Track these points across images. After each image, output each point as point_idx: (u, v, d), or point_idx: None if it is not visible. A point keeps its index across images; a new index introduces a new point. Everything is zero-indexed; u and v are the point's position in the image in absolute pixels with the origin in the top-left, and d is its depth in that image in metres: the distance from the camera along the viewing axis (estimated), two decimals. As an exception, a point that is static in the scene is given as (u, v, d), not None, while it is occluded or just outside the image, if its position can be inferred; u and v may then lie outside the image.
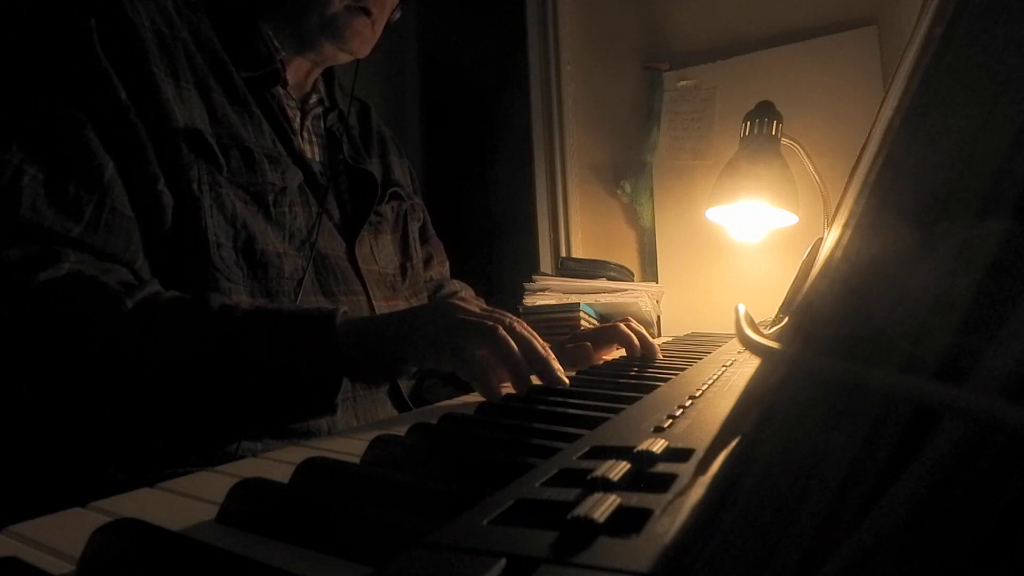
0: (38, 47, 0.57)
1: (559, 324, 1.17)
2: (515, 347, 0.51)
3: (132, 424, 0.56)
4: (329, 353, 0.51)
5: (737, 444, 0.18)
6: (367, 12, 0.73)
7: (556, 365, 0.53)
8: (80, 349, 0.51)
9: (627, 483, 0.22)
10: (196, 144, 0.61)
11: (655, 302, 1.34)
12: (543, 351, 0.53)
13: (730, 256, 1.42)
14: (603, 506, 0.18)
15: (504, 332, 0.51)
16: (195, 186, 0.60)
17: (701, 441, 0.26)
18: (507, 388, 0.53)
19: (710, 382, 0.49)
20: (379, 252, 0.82)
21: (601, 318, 1.25)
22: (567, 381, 0.53)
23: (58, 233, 0.53)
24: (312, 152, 0.79)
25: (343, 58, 0.78)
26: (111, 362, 0.52)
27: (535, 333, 0.55)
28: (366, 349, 0.53)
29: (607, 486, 0.21)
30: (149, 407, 0.54)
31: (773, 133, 1.18)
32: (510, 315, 0.55)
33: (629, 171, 1.54)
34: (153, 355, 0.52)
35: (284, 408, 0.54)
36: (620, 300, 1.25)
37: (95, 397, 0.54)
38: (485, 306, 0.58)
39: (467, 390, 0.61)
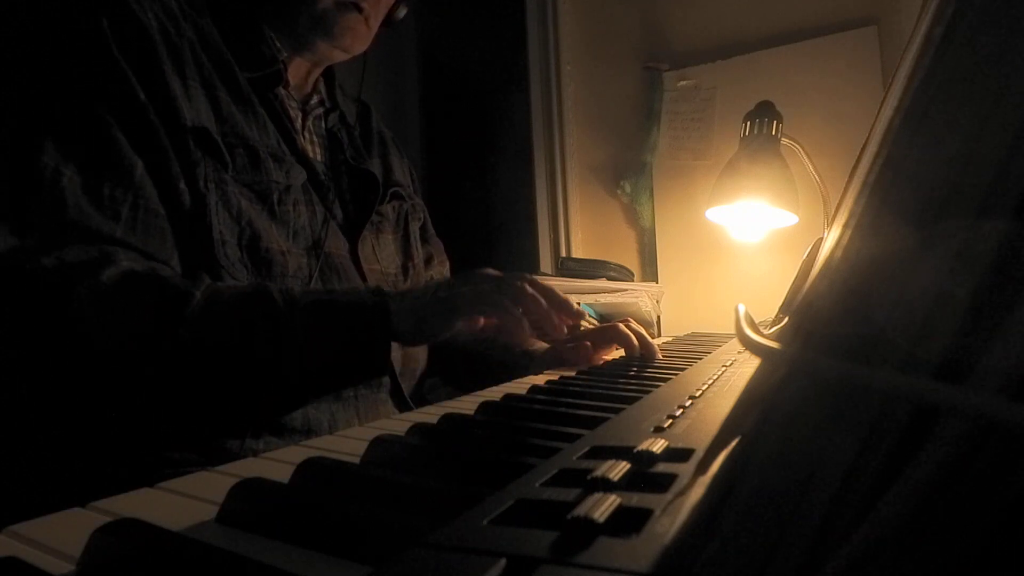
0: (54, 49, 0.57)
1: (559, 324, 1.17)
2: (543, 301, 0.61)
3: (139, 422, 0.56)
4: (387, 338, 0.57)
5: (737, 444, 0.18)
6: (358, 8, 0.73)
7: (574, 304, 0.63)
8: (146, 344, 0.52)
9: (627, 483, 0.22)
10: (203, 142, 0.61)
11: (655, 302, 1.34)
12: (562, 295, 0.63)
13: (730, 256, 1.42)
14: (603, 506, 0.18)
15: (532, 288, 0.61)
16: (201, 183, 0.61)
17: (701, 441, 0.26)
18: (509, 388, 0.53)
19: (710, 382, 0.49)
20: (381, 252, 0.83)
21: (601, 318, 1.25)
22: (585, 314, 0.66)
23: (105, 233, 0.54)
24: (314, 152, 0.79)
25: (339, 56, 0.78)
26: (179, 354, 0.52)
27: (551, 286, 0.63)
28: (416, 323, 0.59)
29: (607, 486, 0.21)
30: (196, 394, 0.56)
31: (773, 133, 1.18)
32: (523, 274, 0.63)
33: (629, 171, 1.54)
34: (225, 346, 0.53)
35: (338, 381, 0.60)
36: (620, 300, 1.25)
37: (116, 394, 0.54)
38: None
39: (467, 390, 0.61)
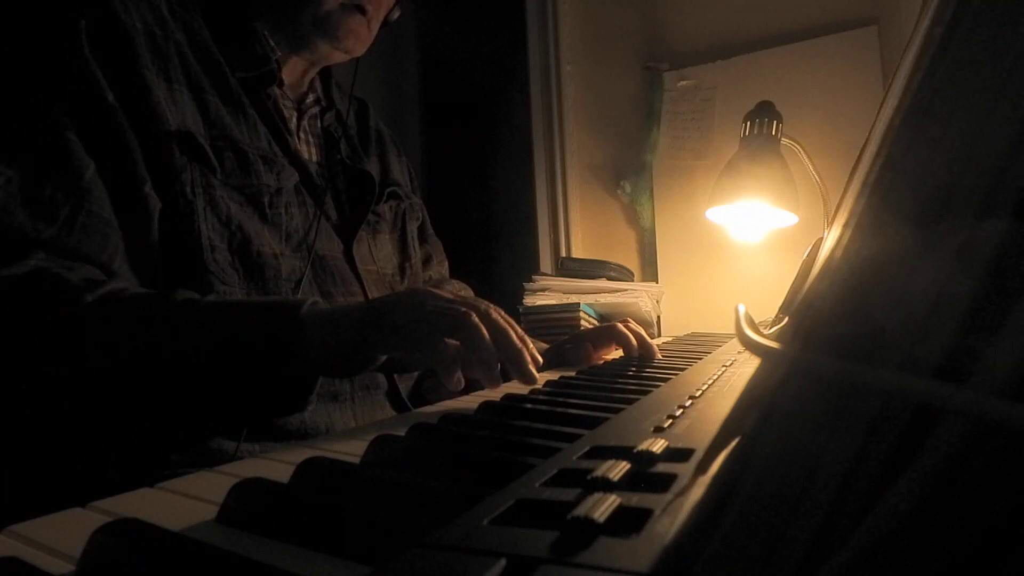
0: (25, 47, 0.56)
1: (559, 324, 1.17)
2: (487, 337, 0.48)
3: (115, 423, 0.56)
4: (293, 345, 0.49)
5: (737, 444, 0.18)
6: (362, 10, 0.72)
7: (527, 357, 0.50)
8: (41, 345, 0.50)
9: (627, 483, 0.22)
10: (188, 147, 0.61)
11: (655, 302, 1.34)
12: (517, 342, 0.50)
13: (730, 256, 1.42)
14: (603, 506, 0.18)
15: (476, 320, 0.49)
16: (188, 189, 0.60)
17: (701, 441, 0.26)
18: (509, 388, 0.53)
19: (710, 382, 0.49)
20: (377, 252, 0.82)
21: (601, 318, 1.25)
22: (538, 376, 0.51)
23: (28, 235, 0.53)
24: (309, 152, 0.79)
25: (338, 57, 0.78)
26: (70, 358, 0.50)
27: (512, 321, 0.52)
28: (334, 340, 0.50)
29: (607, 486, 0.21)
30: (115, 405, 0.52)
31: (773, 133, 1.18)
32: (486, 302, 0.52)
33: (629, 171, 1.54)
34: (111, 350, 0.50)
35: (253, 403, 0.52)
36: (620, 300, 1.25)
37: (71, 396, 0.53)
38: (460, 294, 0.54)
39: (467, 390, 0.61)
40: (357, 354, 0.52)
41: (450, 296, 0.52)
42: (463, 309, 0.49)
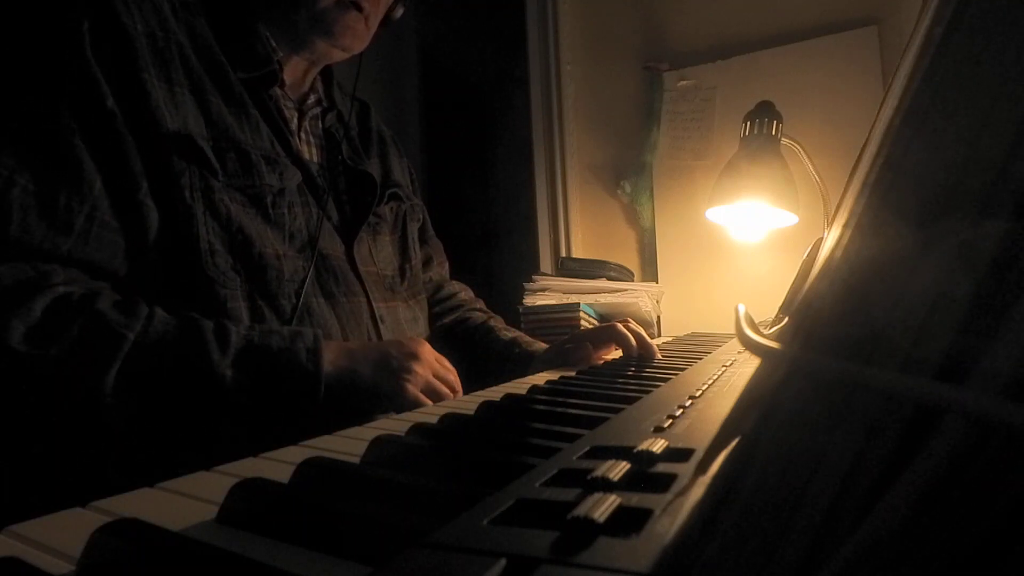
0: (31, 50, 0.56)
1: (559, 324, 1.17)
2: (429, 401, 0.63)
3: (128, 434, 0.56)
4: (314, 404, 0.58)
5: (737, 444, 0.18)
6: (358, 7, 0.72)
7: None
8: (77, 381, 0.51)
9: (627, 483, 0.22)
10: (187, 150, 0.60)
11: (655, 302, 1.34)
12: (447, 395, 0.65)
13: (730, 256, 1.42)
14: (603, 506, 0.18)
15: (435, 380, 0.64)
16: (187, 193, 0.60)
17: (701, 441, 0.26)
18: (509, 388, 0.53)
19: (710, 382, 0.49)
20: (378, 253, 0.82)
21: (601, 318, 1.25)
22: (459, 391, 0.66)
23: (47, 250, 0.53)
24: (310, 153, 0.79)
25: (337, 55, 0.78)
26: (108, 394, 0.52)
27: (447, 370, 0.66)
28: (350, 399, 0.60)
29: (607, 486, 0.21)
30: (131, 430, 0.55)
31: (773, 133, 1.18)
32: (433, 362, 0.65)
33: (629, 171, 1.54)
34: (154, 389, 0.53)
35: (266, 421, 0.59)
36: (620, 300, 1.25)
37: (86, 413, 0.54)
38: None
39: (467, 390, 0.61)
40: (370, 405, 0.62)
41: (408, 367, 0.63)
42: (423, 373, 0.63)
